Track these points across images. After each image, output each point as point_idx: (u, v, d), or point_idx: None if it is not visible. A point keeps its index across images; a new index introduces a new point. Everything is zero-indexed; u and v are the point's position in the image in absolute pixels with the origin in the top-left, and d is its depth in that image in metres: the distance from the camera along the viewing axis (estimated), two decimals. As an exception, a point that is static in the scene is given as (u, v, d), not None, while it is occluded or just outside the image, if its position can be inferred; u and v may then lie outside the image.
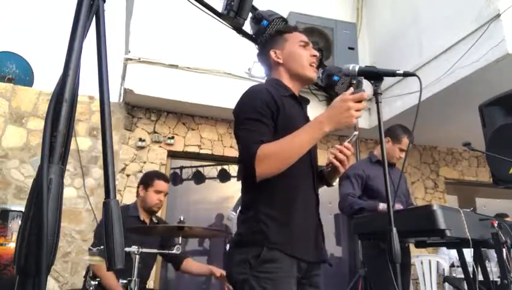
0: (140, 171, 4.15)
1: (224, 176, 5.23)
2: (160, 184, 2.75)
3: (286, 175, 1.27)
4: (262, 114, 1.32)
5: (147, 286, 2.78)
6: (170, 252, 2.23)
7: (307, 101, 1.60)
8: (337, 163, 1.40)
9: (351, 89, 1.31)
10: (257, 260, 1.24)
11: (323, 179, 1.54)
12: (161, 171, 3.14)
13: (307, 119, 1.51)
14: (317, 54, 1.54)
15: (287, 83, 1.51)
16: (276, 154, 1.25)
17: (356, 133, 1.46)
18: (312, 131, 1.28)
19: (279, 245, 1.27)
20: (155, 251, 2.37)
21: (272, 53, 1.54)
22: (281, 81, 1.51)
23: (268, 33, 1.73)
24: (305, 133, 1.28)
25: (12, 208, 3.49)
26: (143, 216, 2.74)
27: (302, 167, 1.34)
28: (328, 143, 4.98)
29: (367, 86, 1.49)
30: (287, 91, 1.48)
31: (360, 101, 1.26)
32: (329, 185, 1.56)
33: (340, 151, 1.40)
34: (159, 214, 3.74)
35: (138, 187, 2.82)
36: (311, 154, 1.41)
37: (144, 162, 4.29)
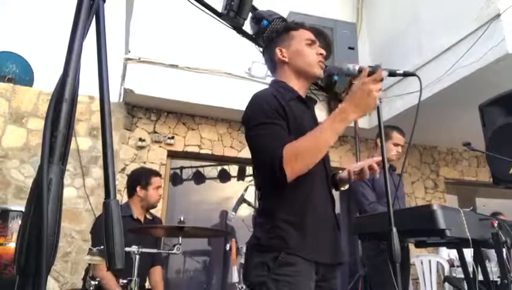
0: (140, 171, 4.15)
1: (224, 176, 5.23)
2: (157, 180, 2.87)
3: (302, 179, 1.25)
4: (273, 117, 1.30)
5: (146, 285, 2.79)
6: (170, 252, 2.23)
7: (314, 102, 1.58)
8: (356, 178, 1.45)
9: (366, 69, 1.27)
10: (275, 262, 1.23)
11: (334, 183, 1.55)
12: (151, 168, 3.22)
13: (315, 120, 1.50)
14: (324, 52, 1.52)
15: (293, 83, 1.49)
16: (303, 153, 1.22)
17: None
18: (335, 122, 1.25)
19: (297, 251, 1.26)
20: (155, 250, 2.38)
21: (277, 51, 1.51)
22: (286, 84, 1.48)
23: (274, 30, 1.70)
24: (329, 126, 1.25)
25: (12, 208, 3.49)
26: (137, 214, 2.77)
27: (316, 170, 1.33)
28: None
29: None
30: (293, 94, 1.45)
31: (380, 82, 1.24)
32: (338, 189, 1.57)
33: (370, 168, 1.42)
34: (158, 213, 3.75)
35: (135, 188, 2.81)
36: (324, 156, 1.41)
37: (144, 162, 4.29)
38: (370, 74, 1.27)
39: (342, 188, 1.57)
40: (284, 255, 1.24)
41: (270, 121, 1.30)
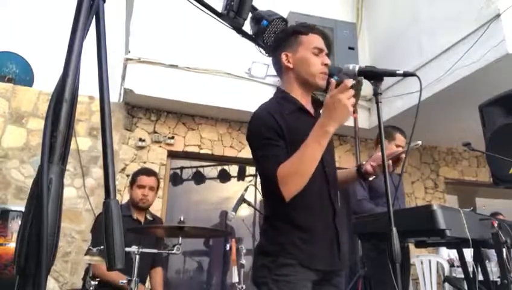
0: (140, 171, 4.15)
1: (224, 176, 5.23)
2: (141, 179, 2.80)
3: (302, 190, 1.30)
4: (270, 137, 1.36)
5: (146, 286, 2.79)
6: (170, 252, 2.23)
7: (320, 105, 1.58)
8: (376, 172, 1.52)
9: (333, 82, 1.33)
10: (275, 264, 1.32)
11: (360, 173, 1.57)
12: (146, 167, 3.17)
13: None
14: (329, 62, 1.52)
15: (296, 90, 1.51)
16: (294, 172, 1.28)
17: (419, 143, 1.48)
18: (317, 137, 1.29)
19: (295, 256, 1.32)
20: (155, 250, 2.37)
21: (283, 56, 1.51)
22: (287, 95, 1.50)
23: (283, 30, 1.68)
24: (312, 141, 1.29)
25: (12, 208, 3.49)
26: (136, 215, 2.77)
27: (316, 179, 1.35)
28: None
29: (367, 86, 1.49)
30: (294, 105, 1.47)
31: (348, 90, 1.27)
32: (366, 179, 1.61)
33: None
34: (158, 213, 3.75)
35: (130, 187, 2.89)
36: (324, 163, 1.41)
37: (144, 162, 4.29)
38: (338, 84, 1.31)
39: (370, 179, 1.61)
40: (283, 259, 1.32)
41: (267, 142, 1.36)
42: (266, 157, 1.34)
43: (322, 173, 1.42)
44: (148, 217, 2.86)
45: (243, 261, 2.64)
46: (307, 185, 1.30)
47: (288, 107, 1.45)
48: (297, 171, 1.28)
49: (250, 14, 1.98)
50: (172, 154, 4.56)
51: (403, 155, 1.52)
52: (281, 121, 1.38)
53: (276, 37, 1.65)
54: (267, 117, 1.39)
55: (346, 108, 1.26)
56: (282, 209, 1.36)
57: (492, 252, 2.62)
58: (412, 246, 2.64)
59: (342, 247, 1.46)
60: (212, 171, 5.23)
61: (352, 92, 1.29)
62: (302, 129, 1.38)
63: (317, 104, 1.59)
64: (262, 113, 1.44)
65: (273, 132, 1.36)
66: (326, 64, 1.50)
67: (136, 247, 2.14)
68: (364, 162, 1.59)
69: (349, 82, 1.29)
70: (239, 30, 1.99)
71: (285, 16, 2.09)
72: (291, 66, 1.50)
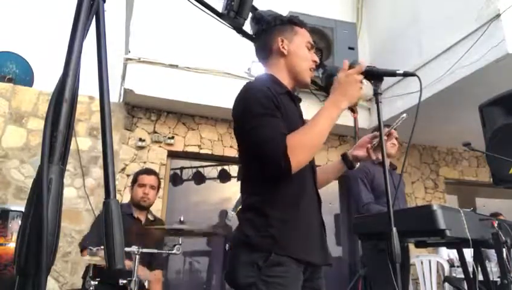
0: (140, 171, 4.15)
1: (224, 177, 5.22)
2: (142, 178, 2.85)
3: (294, 177, 1.24)
4: (271, 108, 1.28)
5: (146, 286, 2.79)
6: (170, 252, 2.23)
7: (299, 100, 1.57)
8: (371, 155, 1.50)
9: (347, 63, 1.35)
10: (266, 262, 1.20)
11: (346, 161, 1.54)
12: (148, 167, 3.23)
13: (301, 117, 1.49)
14: (318, 60, 1.51)
15: (282, 78, 1.46)
16: (305, 144, 1.23)
17: (404, 115, 1.48)
18: (330, 112, 1.28)
19: (288, 251, 1.23)
20: (155, 250, 2.37)
21: (279, 40, 1.46)
22: (275, 78, 1.45)
23: (278, 17, 1.63)
24: (324, 115, 1.28)
25: (12, 208, 3.49)
26: (137, 214, 2.80)
27: (306, 168, 1.31)
28: (328, 143, 4.98)
29: (367, 86, 1.49)
30: (282, 88, 1.42)
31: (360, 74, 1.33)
32: (353, 167, 1.56)
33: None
34: (158, 213, 3.75)
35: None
36: None
37: (144, 162, 4.29)
38: (350, 67, 1.35)
39: (357, 166, 1.57)
40: (274, 256, 1.21)
41: (269, 112, 1.27)
42: (270, 128, 1.24)
43: (309, 165, 1.37)
44: (150, 217, 2.87)
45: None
46: (297, 173, 1.24)
47: (279, 89, 1.39)
48: (307, 143, 1.23)
49: (250, 14, 1.98)
50: (172, 154, 4.56)
51: (393, 130, 1.52)
52: (277, 96, 1.33)
53: (270, 21, 1.55)
54: (266, 89, 1.32)
55: (360, 89, 1.32)
56: (272, 195, 1.28)
57: (492, 252, 2.63)
58: (412, 246, 2.63)
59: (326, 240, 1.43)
60: (212, 171, 5.23)
61: (362, 77, 1.34)
62: (290, 112, 1.36)
63: (297, 99, 1.56)
64: (259, 85, 1.37)
65: (272, 104, 1.29)
66: (315, 61, 1.49)
67: (136, 247, 2.14)
68: (350, 151, 1.57)
69: (364, 66, 1.34)
70: (239, 30, 1.99)
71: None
72: (285, 52, 1.46)
